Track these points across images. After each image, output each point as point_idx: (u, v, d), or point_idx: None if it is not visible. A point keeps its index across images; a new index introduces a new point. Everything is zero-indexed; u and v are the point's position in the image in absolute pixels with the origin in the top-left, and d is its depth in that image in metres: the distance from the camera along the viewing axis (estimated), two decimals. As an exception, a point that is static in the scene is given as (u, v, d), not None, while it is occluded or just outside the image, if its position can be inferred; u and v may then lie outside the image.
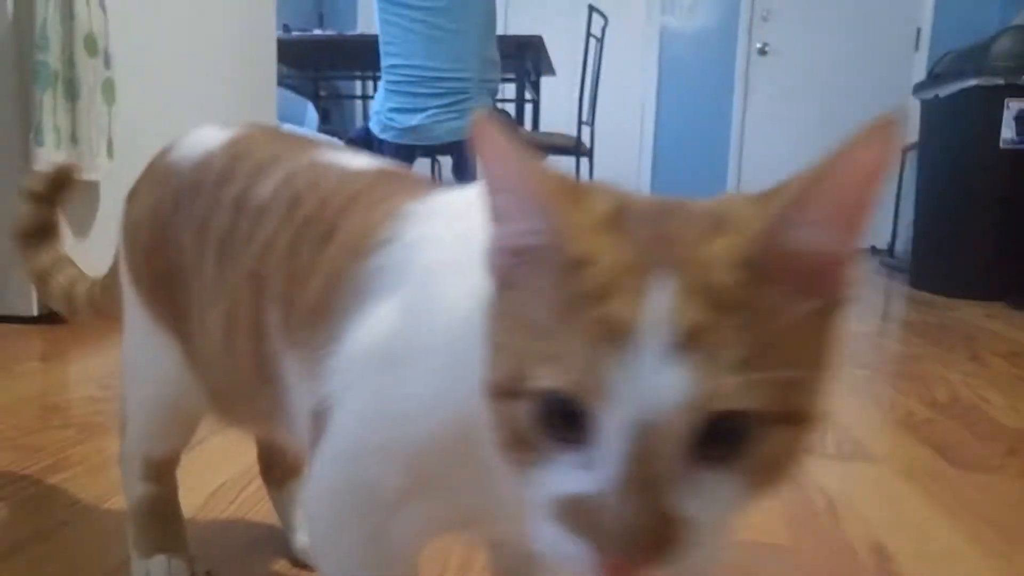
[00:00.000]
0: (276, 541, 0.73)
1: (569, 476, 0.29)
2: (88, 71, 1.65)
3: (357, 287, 0.43)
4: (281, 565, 0.71)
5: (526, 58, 3.85)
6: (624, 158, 5.38)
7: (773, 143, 5.11)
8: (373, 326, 0.42)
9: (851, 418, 1.30)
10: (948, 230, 3.03)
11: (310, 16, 5.13)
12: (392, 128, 3.61)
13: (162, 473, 0.65)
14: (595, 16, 4.01)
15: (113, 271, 0.66)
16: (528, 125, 4.46)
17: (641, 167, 5.50)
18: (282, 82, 3.70)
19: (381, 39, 3.32)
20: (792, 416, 0.30)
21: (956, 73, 2.92)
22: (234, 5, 2.34)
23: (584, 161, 4.26)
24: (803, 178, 0.30)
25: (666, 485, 0.28)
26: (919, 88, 3.22)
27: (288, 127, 3.63)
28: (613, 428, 0.28)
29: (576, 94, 4.04)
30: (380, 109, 3.59)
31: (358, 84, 5.06)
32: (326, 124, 4.41)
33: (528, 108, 4.08)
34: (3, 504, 0.78)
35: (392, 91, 3.43)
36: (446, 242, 0.42)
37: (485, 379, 0.33)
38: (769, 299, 0.30)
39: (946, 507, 0.94)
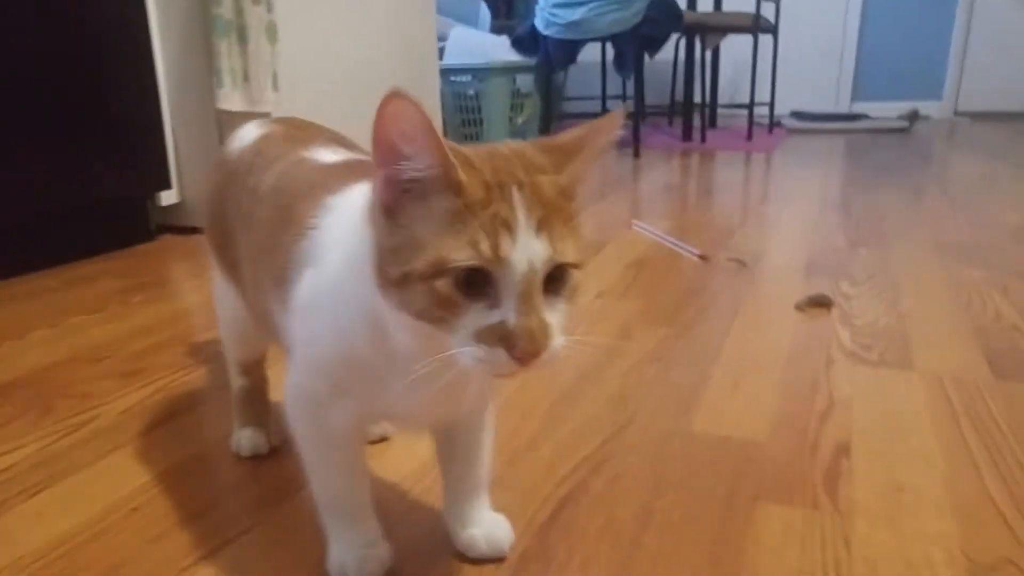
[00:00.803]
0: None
1: (483, 315, 0.49)
2: (254, 17, 1.94)
3: (298, 260, 0.63)
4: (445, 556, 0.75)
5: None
6: (824, 33, 4.97)
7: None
8: (303, 288, 0.62)
9: (923, 325, 1.31)
10: None
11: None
12: (555, 24, 3.67)
13: (249, 370, 0.92)
14: None
15: None
16: (711, 6, 4.29)
17: (846, 41, 5.03)
18: (453, -18, 3.87)
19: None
20: (579, 264, 0.52)
21: None
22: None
23: (767, 39, 4.04)
24: (578, 142, 0.54)
25: (539, 307, 0.49)
26: None
27: (460, 28, 3.82)
28: (509, 280, 0.48)
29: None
30: (544, 5, 3.66)
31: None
32: (498, 20, 4.53)
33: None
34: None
35: (555, -14, 3.48)
36: (340, 228, 0.60)
37: (402, 272, 0.49)
38: (568, 204, 0.52)
39: (945, 414, 0.99)
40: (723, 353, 1.21)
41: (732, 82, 4.86)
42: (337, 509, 0.69)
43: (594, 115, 3.22)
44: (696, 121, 4.06)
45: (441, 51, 3.93)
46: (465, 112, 3.77)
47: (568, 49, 3.81)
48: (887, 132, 4.36)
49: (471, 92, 3.75)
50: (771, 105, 4.28)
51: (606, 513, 0.78)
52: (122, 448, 0.93)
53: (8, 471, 0.89)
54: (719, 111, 4.70)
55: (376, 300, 0.52)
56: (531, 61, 3.84)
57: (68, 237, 1.82)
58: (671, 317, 1.38)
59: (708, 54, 4.17)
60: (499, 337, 0.48)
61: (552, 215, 0.50)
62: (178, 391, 1.09)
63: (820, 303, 1.43)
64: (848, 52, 5.06)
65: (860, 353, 1.20)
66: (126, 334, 1.32)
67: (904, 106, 4.78)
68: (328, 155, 0.74)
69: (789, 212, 2.35)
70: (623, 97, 4.68)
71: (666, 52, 3.96)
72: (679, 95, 4.35)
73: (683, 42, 4.08)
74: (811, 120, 4.67)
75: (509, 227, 0.48)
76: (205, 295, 1.51)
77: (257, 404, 0.93)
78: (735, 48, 4.32)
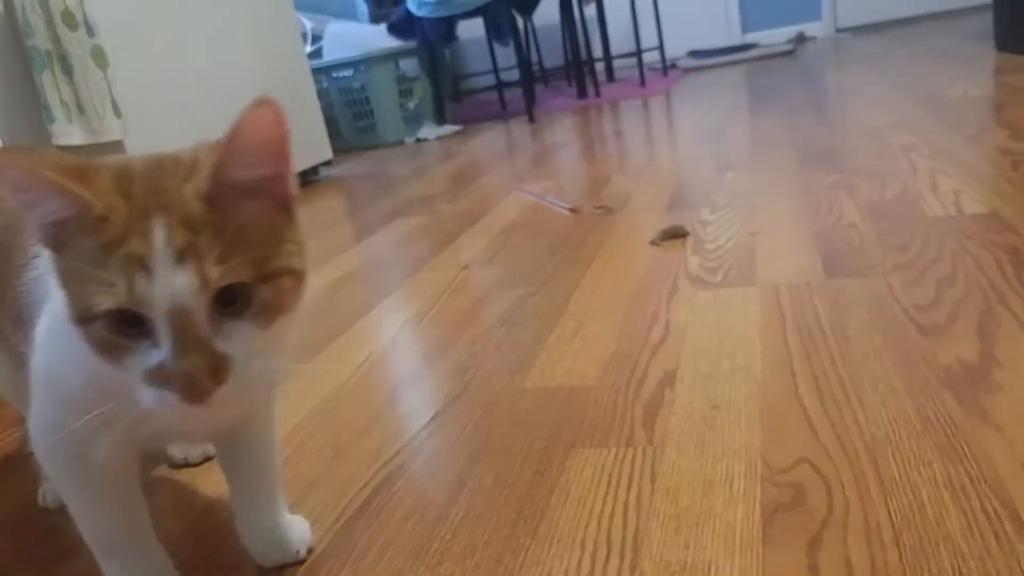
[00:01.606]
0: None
1: (147, 355, 0.46)
2: (74, 44, 1.86)
3: (32, 295, 0.59)
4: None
5: None
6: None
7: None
8: (43, 321, 0.57)
9: (771, 239, 1.32)
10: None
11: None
12: (427, 3, 3.62)
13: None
14: None
15: None
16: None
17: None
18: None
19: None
20: (271, 276, 0.47)
21: None
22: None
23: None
24: (223, 139, 0.46)
25: (200, 344, 0.45)
26: None
27: (336, 23, 3.74)
28: (157, 319, 0.44)
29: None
30: (412, -12, 3.60)
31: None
32: (379, 9, 4.44)
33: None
34: None
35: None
36: None
37: (69, 315, 0.47)
38: (228, 213, 0.46)
39: (773, 324, 0.99)
40: (571, 304, 1.20)
41: (627, 33, 4.85)
42: (113, 547, 0.65)
43: (491, 89, 3.19)
44: (590, 77, 4.04)
45: (321, 50, 3.85)
46: (355, 106, 3.71)
47: (444, 27, 3.77)
48: (775, 57, 4.41)
49: (356, 85, 3.68)
50: (661, 48, 4.29)
51: (417, 493, 0.77)
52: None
53: None
54: (616, 63, 4.69)
55: None
56: (411, 44, 3.78)
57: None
58: (528, 277, 1.36)
59: (593, 10, 4.15)
60: (163, 379, 0.45)
61: (203, 237, 0.45)
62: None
63: (675, 235, 1.43)
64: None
65: (705, 277, 1.20)
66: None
67: (791, 30, 4.87)
68: None
69: (665, 150, 2.35)
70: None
71: (555, 14, 3.93)
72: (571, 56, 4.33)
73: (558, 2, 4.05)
74: (706, 57, 4.70)
75: (144, 264, 0.44)
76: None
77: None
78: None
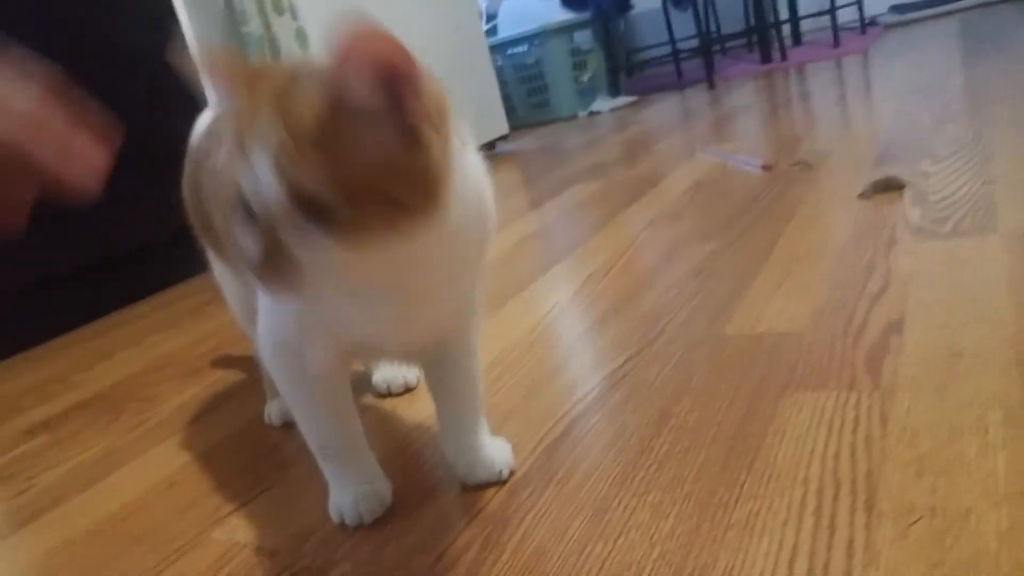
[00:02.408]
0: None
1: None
2: (281, 28, 2.00)
3: None
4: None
5: None
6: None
7: None
8: None
9: (1014, 187, 1.17)
10: None
11: None
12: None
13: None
14: None
15: None
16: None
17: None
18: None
19: None
20: (368, 204, 0.46)
21: None
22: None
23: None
24: (338, 63, 0.45)
25: (280, 236, 0.46)
26: None
27: (511, 0, 3.78)
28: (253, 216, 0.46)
29: None
30: (586, -43, 3.56)
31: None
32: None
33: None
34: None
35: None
36: None
37: None
38: (336, 135, 0.45)
39: (1022, 278, 0.87)
40: (772, 256, 1.12)
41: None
42: (329, 450, 0.69)
43: (666, 60, 3.10)
44: (776, 41, 3.81)
45: (496, 27, 3.92)
46: (529, 82, 3.73)
47: (619, -4, 3.70)
48: (992, 5, 3.93)
49: (531, 61, 3.71)
50: (859, 3, 3.94)
51: (618, 426, 0.74)
52: (171, 437, 0.98)
53: (76, 468, 0.95)
54: (804, 25, 4.39)
55: None
56: (585, 16, 3.75)
57: (162, 266, 1.94)
58: (722, 231, 1.29)
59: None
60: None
61: (308, 147, 0.45)
62: (227, 383, 1.13)
63: (889, 187, 1.30)
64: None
65: (930, 228, 1.08)
66: (192, 342, 1.39)
67: (1011, -26, 4.28)
68: None
69: (869, 106, 2.16)
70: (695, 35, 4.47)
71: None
72: (754, 20, 4.11)
73: (743, -39, 3.85)
74: (911, 10, 4.26)
75: (243, 148, 0.47)
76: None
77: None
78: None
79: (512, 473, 0.70)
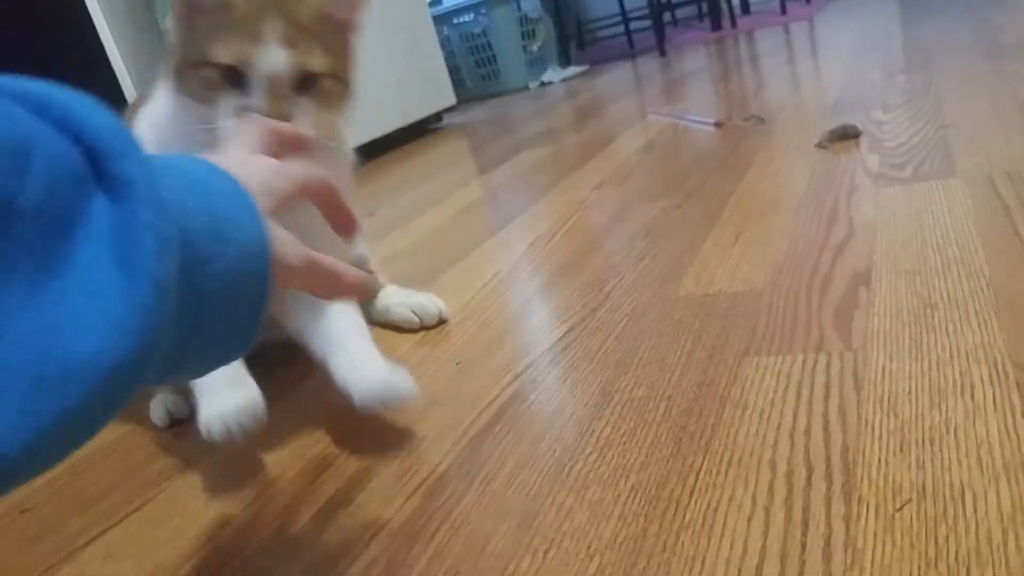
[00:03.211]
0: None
1: (238, 99, 0.61)
2: None
3: None
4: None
5: None
6: None
7: None
8: None
9: (968, 131, 1.09)
10: None
11: None
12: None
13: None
14: None
15: None
16: None
17: None
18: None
19: None
20: (333, 76, 0.64)
21: None
22: None
23: None
24: None
25: (284, 101, 0.61)
26: None
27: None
28: (256, 78, 0.60)
29: None
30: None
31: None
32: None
33: None
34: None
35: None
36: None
37: (179, 61, 0.62)
38: (319, 29, 0.62)
39: (994, 213, 0.78)
40: (726, 212, 1.02)
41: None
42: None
43: (618, 32, 3.00)
44: (725, 9, 3.73)
45: (441, -2, 3.77)
46: (477, 52, 3.59)
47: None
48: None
49: (478, 30, 3.57)
50: (803, -31, 3.89)
51: (554, 407, 0.64)
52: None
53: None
54: (751, -7, 4.32)
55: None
56: (532, -17, 3.62)
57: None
58: (672, 189, 1.20)
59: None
60: (250, 111, 0.60)
61: (303, 34, 0.61)
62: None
63: (845, 135, 1.21)
64: None
65: (890, 173, 1.00)
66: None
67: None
68: None
69: (819, 64, 2.08)
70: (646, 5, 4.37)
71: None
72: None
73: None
74: (854, -26, 4.22)
75: (261, 40, 0.59)
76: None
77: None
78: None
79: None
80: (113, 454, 0.78)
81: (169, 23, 0.63)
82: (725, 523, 0.45)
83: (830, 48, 2.33)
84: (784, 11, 3.67)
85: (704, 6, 4.10)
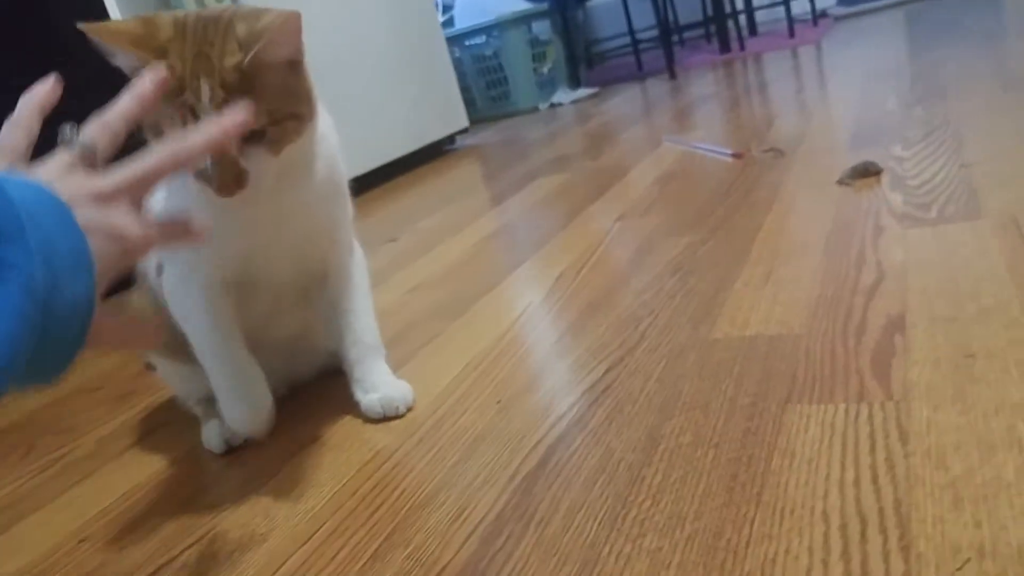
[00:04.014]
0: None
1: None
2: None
3: None
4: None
5: None
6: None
7: None
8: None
9: (992, 169, 1.11)
10: None
11: None
12: (558, -39, 3.48)
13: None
14: None
15: None
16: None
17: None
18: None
19: None
20: (279, 120, 0.64)
21: None
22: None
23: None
24: (260, 32, 0.61)
25: (233, 160, 0.62)
26: None
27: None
28: None
29: None
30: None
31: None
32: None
33: None
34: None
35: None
36: None
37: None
38: (254, 80, 0.61)
39: (1023, 263, 0.80)
40: (754, 249, 1.04)
41: (767, -18, 4.51)
42: (224, 368, 0.75)
43: (627, 52, 3.04)
44: (734, 31, 3.78)
45: (453, 19, 3.80)
46: (488, 74, 3.63)
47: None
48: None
49: (489, 52, 3.60)
50: (811, -4, 3.93)
51: (602, 451, 0.65)
52: (88, 477, 0.86)
53: (-20, 518, 0.83)
54: (758, 16, 4.37)
55: None
56: (543, 6, 3.66)
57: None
58: (696, 223, 1.22)
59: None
60: (206, 179, 0.63)
61: (233, 94, 0.60)
62: (163, 407, 1.02)
63: (867, 172, 1.23)
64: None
65: (915, 214, 1.01)
66: (129, 359, 1.26)
67: (961, -41, 4.32)
68: None
69: (832, 93, 2.11)
70: (654, 26, 4.41)
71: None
72: (712, 11, 4.06)
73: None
74: (858, 2, 4.28)
75: (193, 111, 0.60)
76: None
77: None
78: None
79: (409, 410, 0.80)
80: (170, 482, 0.79)
81: None
82: (784, 575, 0.46)
83: (840, 74, 2.36)
84: (792, 34, 3.71)
85: (712, 27, 4.15)
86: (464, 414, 0.77)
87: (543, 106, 3.53)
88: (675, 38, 4.42)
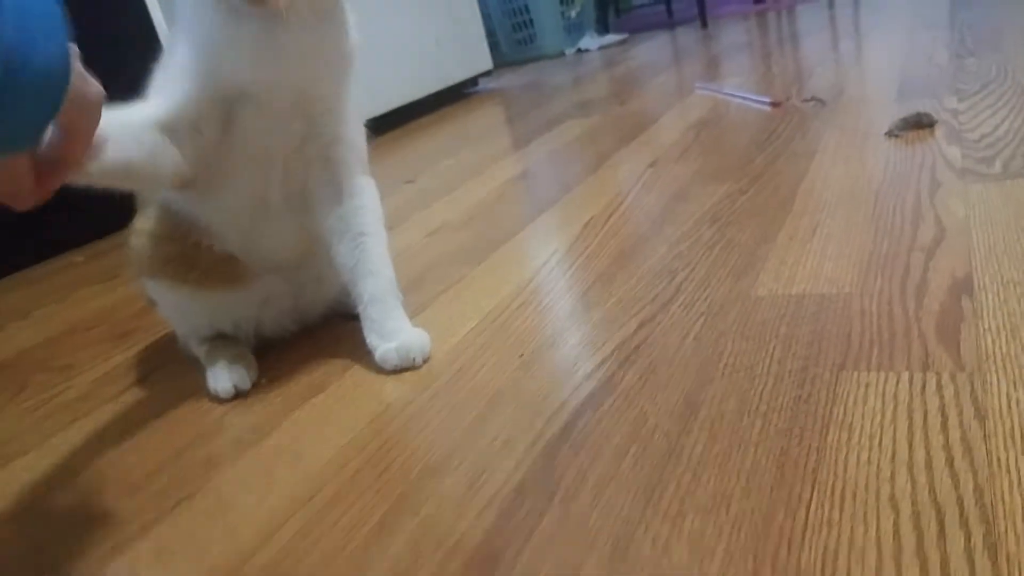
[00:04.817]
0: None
1: None
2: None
3: None
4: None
5: None
6: None
7: None
8: None
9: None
10: None
11: None
12: None
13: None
14: None
15: None
16: None
17: None
18: None
19: None
20: None
21: None
22: None
23: None
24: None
25: None
26: None
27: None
28: None
29: None
30: None
31: None
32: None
33: None
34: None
35: None
36: None
37: None
38: None
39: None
40: (797, 200, 0.96)
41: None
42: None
43: (658, 3, 2.91)
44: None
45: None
46: (514, 16, 3.49)
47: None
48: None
49: (516, -7, 3.47)
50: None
51: (635, 416, 0.59)
52: (77, 421, 0.81)
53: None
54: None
55: None
56: (572, -55, 3.51)
57: (101, 208, 1.74)
58: (734, 172, 1.13)
59: None
60: None
61: None
62: (163, 347, 0.96)
63: (919, 124, 1.14)
64: None
65: (977, 168, 0.93)
66: (130, 297, 1.21)
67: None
68: None
69: (878, 42, 1.99)
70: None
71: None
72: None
73: None
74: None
75: None
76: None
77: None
78: None
79: (426, 361, 0.74)
80: (163, 429, 0.74)
81: None
82: (849, 572, 0.40)
83: (880, 27, 2.23)
84: (832, -17, 3.54)
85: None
86: (483, 368, 0.71)
87: (569, 51, 3.41)
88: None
